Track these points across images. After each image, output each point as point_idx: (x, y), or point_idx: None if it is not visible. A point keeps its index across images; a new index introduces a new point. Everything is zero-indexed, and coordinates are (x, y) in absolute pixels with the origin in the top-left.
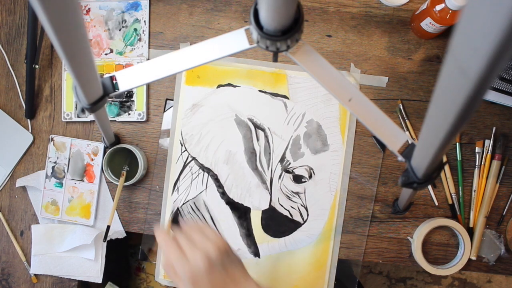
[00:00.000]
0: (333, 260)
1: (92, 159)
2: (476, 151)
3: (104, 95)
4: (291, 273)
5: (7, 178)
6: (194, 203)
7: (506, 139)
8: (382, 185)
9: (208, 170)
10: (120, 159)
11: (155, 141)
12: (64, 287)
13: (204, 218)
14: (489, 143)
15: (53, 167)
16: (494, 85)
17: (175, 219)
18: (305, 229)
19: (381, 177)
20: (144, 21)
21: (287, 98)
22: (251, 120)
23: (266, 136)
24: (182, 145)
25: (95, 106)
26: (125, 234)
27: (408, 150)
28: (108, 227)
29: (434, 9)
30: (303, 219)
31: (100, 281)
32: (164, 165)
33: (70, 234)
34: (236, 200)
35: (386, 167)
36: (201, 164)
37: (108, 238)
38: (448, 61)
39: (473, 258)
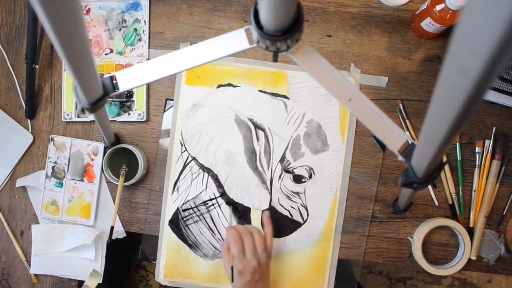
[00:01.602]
0: (333, 260)
1: (92, 159)
2: (476, 151)
3: (104, 95)
4: (291, 273)
5: (7, 178)
6: (194, 203)
7: (506, 139)
8: (382, 185)
9: (208, 170)
10: (120, 159)
11: (155, 141)
12: (64, 287)
13: (204, 218)
14: (489, 143)
15: (53, 167)
16: (494, 85)
17: (175, 219)
18: (305, 229)
19: (381, 177)
20: (144, 21)
21: (287, 98)
22: (251, 120)
23: (266, 136)
24: (182, 145)
25: (95, 106)
26: (125, 234)
27: (408, 150)
28: (112, 228)
29: (434, 9)
30: (303, 219)
31: (100, 281)
32: (164, 165)
33: (70, 234)
34: (236, 200)
35: (386, 167)
36: (201, 164)
37: (107, 238)
38: (448, 61)
39: (473, 258)
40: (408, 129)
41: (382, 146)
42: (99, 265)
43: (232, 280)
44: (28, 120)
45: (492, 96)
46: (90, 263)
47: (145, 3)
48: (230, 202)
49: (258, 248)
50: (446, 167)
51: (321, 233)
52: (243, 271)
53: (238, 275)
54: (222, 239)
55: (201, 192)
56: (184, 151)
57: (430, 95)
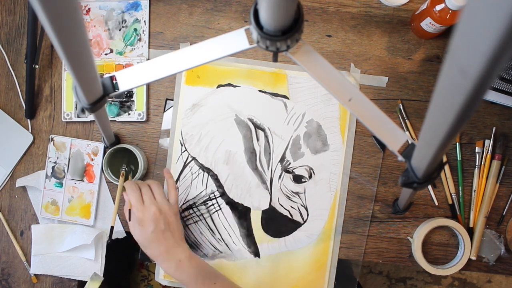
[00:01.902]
0: (333, 260)
1: (92, 159)
2: (476, 151)
3: (104, 95)
4: (291, 273)
5: (7, 178)
6: (194, 203)
7: (506, 139)
8: (382, 185)
9: (208, 170)
10: (120, 159)
11: (155, 141)
12: (64, 287)
13: (204, 218)
14: (489, 143)
15: (53, 167)
16: (494, 85)
17: None
18: (305, 229)
19: (381, 177)
20: (144, 21)
21: (287, 98)
22: (251, 120)
23: (266, 136)
24: (182, 145)
25: (95, 106)
26: (125, 234)
27: (408, 150)
28: (112, 228)
29: (434, 9)
30: (303, 219)
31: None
32: (164, 165)
33: (70, 234)
34: (236, 200)
35: (386, 167)
36: (201, 164)
37: (107, 238)
38: (448, 61)
39: (473, 258)
40: (408, 129)
41: (382, 146)
42: (99, 265)
43: (129, 219)
44: (28, 120)
45: (492, 96)
46: (90, 263)
47: (145, 3)
48: (230, 202)
49: (157, 197)
50: (446, 167)
51: (321, 233)
52: (143, 219)
53: (140, 225)
54: (222, 239)
55: (201, 192)
56: (184, 151)
57: (430, 95)
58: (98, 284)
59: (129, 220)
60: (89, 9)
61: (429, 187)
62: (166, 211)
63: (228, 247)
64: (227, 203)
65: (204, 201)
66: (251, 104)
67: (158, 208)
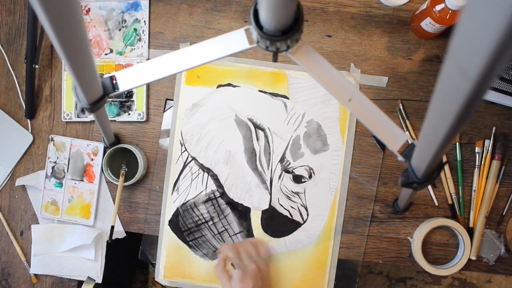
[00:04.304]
0: (333, 260)
1: (92, 159)
2: (476, 151)
3: (104, 95)
4: (291, 273)
5: (7, 178)
6: (194, 203)
7: (506, 139)
8: (382, 185)
9: (208, 170)
10: (120, 159)
11: (155, 141)
12: (64, 287)
13: (204, 218)
14: (489, 143)
15: (53, 167)
16: (494, 85)
17: (175, 219)
18: (305, 229)
19: (381, 177)
20: (144, 21)
21: (287, 98)
22: (251, 120)
23: (266, 136)
24: (182, 145)
25: (95, 106)
26: (125, 234)
27: (408, 150)
28: (112, 227)
29: (434, 9)
30: (303, 219)
31: (100, 281)
32: (164, 165)
33: (70, 234)
34: (236, 200)
35: (386, 167)
36: (201, 164)
37: (107, 238)
38: (448, 61)
39: (473, 258)
40: (408, 129)
41: (382, 146)
42: (99, 265)
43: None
44: (28, 120)
45: (492, 96)
46: (90, 263)
47: (145, 3)
48: (230, 202)
49: (253, 253)
50: (446, 167)
51: (321, 233)
52: (244, 277)
53: (240, 281)
54: (222, 240)
55: (201, 192)
56: (184, 151)
57: (430, 95)
58: (91, 287)
59: (218, 270)
60: (89, 9)
61: (429, 187)
62: (263, 268)
63: None
64: (227, 203)
65: (204, 201)
66: (251, 104)
67: (257, 266)
